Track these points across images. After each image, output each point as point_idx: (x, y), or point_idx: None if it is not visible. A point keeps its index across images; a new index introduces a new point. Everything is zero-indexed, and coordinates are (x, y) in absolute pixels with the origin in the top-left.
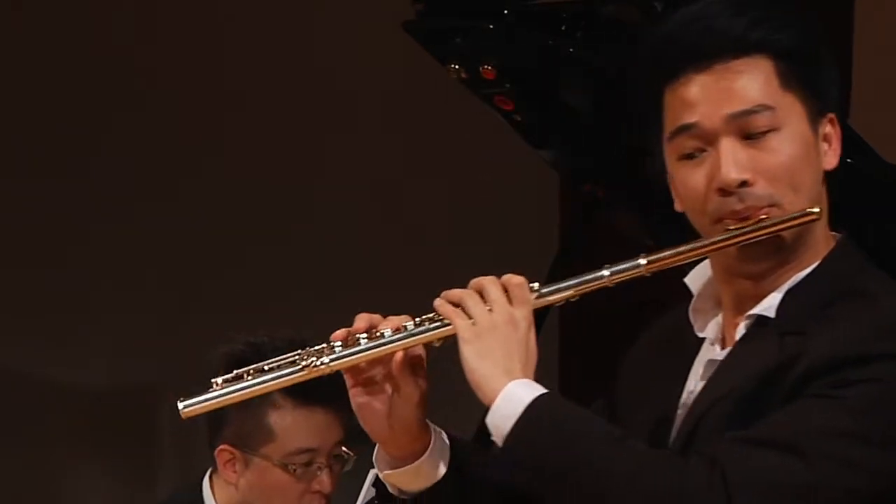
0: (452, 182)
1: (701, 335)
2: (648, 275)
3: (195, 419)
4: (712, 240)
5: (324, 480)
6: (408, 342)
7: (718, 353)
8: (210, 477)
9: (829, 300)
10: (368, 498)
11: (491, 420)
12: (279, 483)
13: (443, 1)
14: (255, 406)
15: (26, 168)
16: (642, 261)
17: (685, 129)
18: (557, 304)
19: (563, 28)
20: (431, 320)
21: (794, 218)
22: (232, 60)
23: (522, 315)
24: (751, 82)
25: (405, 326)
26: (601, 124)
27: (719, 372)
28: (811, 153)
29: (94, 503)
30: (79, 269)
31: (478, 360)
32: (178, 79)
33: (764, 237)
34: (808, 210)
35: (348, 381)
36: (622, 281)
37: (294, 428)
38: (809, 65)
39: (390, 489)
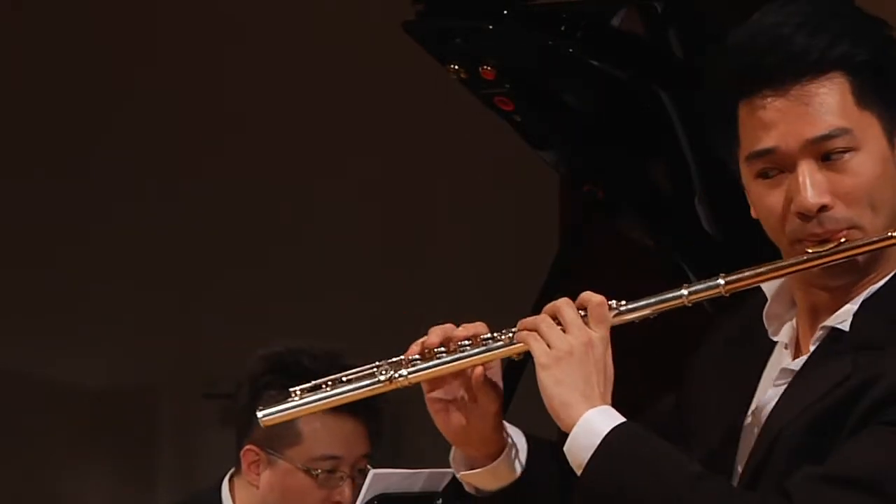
0: (452, 182)
1: (775, 339)
2: (727, 295)
3: (196, 420)
4: (791, 262)
5: (345, 491)
6: (487, 356)
7: (792, 363)
8: (230, 479)
9: None
10: (368, 498)
11: (568, 449)
12: (300, 487)
13: (443, 1)
14: None
15: (26, 168)
16: (721, 281)
17: (763, 154)
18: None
19: (562, 29)
20: (509, 334)
21: (874, 242)
22: (232, 61)
23: (600, 336)
24: (828, 104)
25: (484, 340)
26: (601, 125)
27: (792, 387)
28: (889, 169)
29: (94, 503)
30: (79, 269)
31: (556, 387)
32: (179, 78)
33: (842, 260)
34: (889, 234)
35: (425, 387)
36: (699, 300)
37: (322, 433)
38: (885, 76)
39: (467, 488)
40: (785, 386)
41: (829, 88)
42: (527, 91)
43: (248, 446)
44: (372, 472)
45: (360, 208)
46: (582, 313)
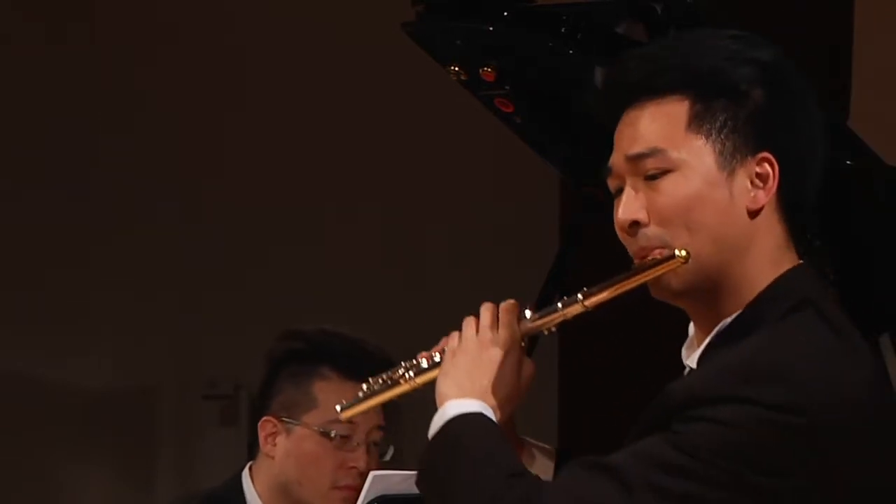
0: (452, 182)
1: (686, 363)
2: (591, 308)
3: (196, 420)
4: (619, 278)
5: (360, 456)
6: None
7: None
8: (249, 468)
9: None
10: (368, 499)
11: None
12: (315, 453)
13: (443, 2)
14: (304, 377)
15: (27, 170)
16: (580, 295)
17: (608, 172)
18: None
19: (563, 30)
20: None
21: (658, 263)
22: (230, 60)
23: (502, 338)
24: (652, 125)
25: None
26: (602, 126)
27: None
28: (714, 195)
29: (94, 503)
30: (79, 269)
31: (441, 378)
32: (178, 84)
33: (640, 282)
34: (674, 254)
35: None
36: (596, 304)
37: (337, 398)
38: (737, 105)
39: None
40: None
41: (662, 108)
42: (527, 93)
43: (264, 418)
44: (372, 473)
45: (360, 208)
46: None
